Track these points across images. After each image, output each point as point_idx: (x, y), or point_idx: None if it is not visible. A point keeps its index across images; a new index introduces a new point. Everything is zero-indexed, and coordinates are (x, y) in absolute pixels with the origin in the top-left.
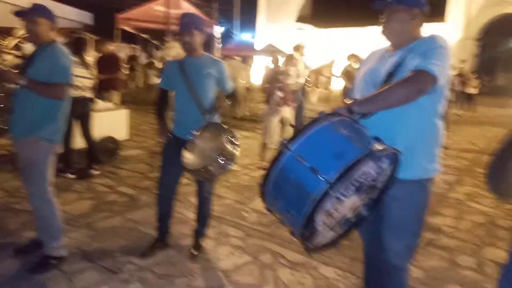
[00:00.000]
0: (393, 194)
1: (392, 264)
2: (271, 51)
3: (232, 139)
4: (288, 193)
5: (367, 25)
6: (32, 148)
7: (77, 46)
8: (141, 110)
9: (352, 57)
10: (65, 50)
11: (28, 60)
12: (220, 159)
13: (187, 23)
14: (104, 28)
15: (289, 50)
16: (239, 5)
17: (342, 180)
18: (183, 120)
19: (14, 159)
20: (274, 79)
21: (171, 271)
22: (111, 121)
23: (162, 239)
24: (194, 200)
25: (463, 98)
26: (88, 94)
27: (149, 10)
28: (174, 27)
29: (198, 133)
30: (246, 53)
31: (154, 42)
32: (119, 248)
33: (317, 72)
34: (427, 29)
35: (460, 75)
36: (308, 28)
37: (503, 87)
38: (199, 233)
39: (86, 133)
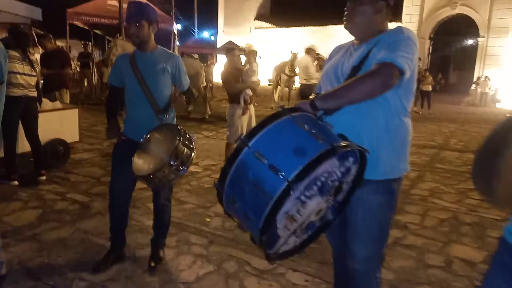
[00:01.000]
0: (358, 195)
1: (358, 270)
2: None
3: (187, 141)
4: (245, 194)
5: (327, 24)
6: None
7: (20, 41)
8: (95, 110)
9: (309, 51)
10: None
11: None
12: (173, 163)
13: (134, 13)
14: (53, 23)
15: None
16: (198, 2)
17: (303, 178)
18: (134, 120)
19: None
20: (237, 77)
21: (127, 286)
22: (60, 121)
23: (116, 251)
24: (151, 205)
25: (420, 96)
26: (33, 93)
27: (101, 4)
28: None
29: (150, 135)
30: (206, 51)
31: (108, 38)
32: (67, 262)
33: (279, 70)
34: None
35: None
36: (267, 26)
37: (455, 84)
38: (157, 243)
39: (32, 135)
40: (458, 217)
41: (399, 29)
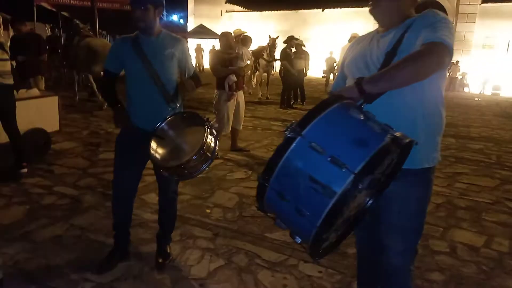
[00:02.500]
0: (394, 188)
1: (394, 265)
2: (202, 32)
3: (212, 130)
4: (299, 189)
5: (300, 9)
6: None
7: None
8: (66, 97)
9: (290, 40)
10: None
11: None
12: (203, 153)
13: None
14: (17, 5)
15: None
16: None
17: (371, 171)
18: (142, 108)
19: None
20: (225, 61)
21: (137, 286)
22: (38, 110)
23: (121, 249)
24: (150, 198)
25: None
26: (8, 80)
27: None
28: (101, 5)
29: (169, 123)
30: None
31: (77, 21)
32: (68, 263)
33: (257, 55)
34: None
35: None
36: (239, 9)
37: None
38: (164, 239)
39: (10, 126)
40: (452, 201)
41: (432, 12)
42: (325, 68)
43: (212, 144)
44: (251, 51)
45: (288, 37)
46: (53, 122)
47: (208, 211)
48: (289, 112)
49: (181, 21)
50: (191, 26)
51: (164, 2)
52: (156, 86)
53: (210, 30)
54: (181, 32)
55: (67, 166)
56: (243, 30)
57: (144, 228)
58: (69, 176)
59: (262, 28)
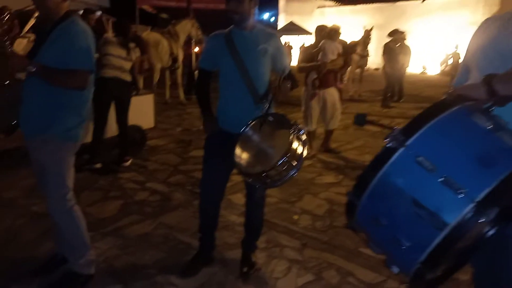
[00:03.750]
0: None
1: None
2: (293, 29)
3: (300, 135)
4: (397, 213)
5: (396, 0)
6: (45, 149)
7: (121, 30)
8: (163, 95)
9: (394, 33)
10: (85, 26)
11: (37, 41)
12: (286, 161)
13: None
14: (121, 9)
15: (312, 29)
16: None
17: (497, 200)
18: (231, 109)
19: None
20: (313, 56)
21: None
22: (136, 107)
23: (205, 254)
24: (236, 199)
25: None
26: (126, 77)
27: None
28: (197, 5)
29: (254, 126)
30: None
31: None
32: (154, 262)
33: (348, 50)
34: None
35: None
36: (331, 4)
37: None
38: (250, 246)
39: (124, 119)
40: None
41: None
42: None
43: (299, 151)
44: (341, 45)
45: (392, 30)
46: (149, 119)
47: (296, 217)
48: (384, 110)
49: (272, 19)
50: (281, 23)
51: None
52: (246, 85)
53: (301, 27)
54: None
55: (160, 162)
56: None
57: (229, 231)
58: (161, 172)
59: (355, 23)
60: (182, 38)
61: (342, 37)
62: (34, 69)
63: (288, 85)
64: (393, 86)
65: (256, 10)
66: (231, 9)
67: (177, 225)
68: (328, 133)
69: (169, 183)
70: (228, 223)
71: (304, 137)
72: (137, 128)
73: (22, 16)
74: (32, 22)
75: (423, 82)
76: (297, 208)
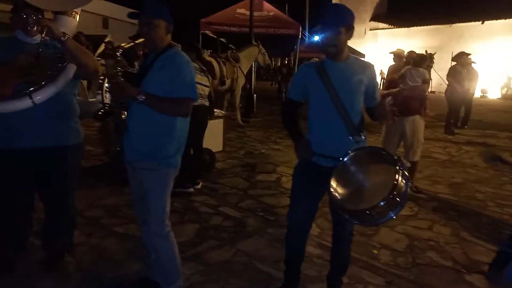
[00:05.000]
0: None
1: None
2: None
3: (403, 171)
4: None
5: (453, 22)
6: (149, 175)
7: (197, 54)
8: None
9: (461, 56)
10: (187, 57)
11: (142, 71)
12: (390, 199)
13: (331, 18)
14: (182, 34)
15: (364, 51)
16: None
17: None
18: (324, 140)
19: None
20: (392, 82)
21: None
22: (207, 130)
23: (290, 287)
24: (312, 229)
25: None
26: (207, 103)
27: (231, 13)
28: (258, 30)
29: (351, 159)
30: (315, 55)
31: (231, 46)
32: None
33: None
34: None
35: None
36: (384, 27)
37: None
38: (335, 282)
39: (198, 142)
40: None
41: None
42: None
43: (404, 188)
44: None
45: (458, 53)
46: (218, 142)
47: (375, 252)
48: (448, 137)
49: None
50: None
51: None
52: (341, 116)
53: (353, 48)
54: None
55: (229, 185)
56: (399, 48)
57: (308, 263)
58: (231, 196)
59: (408, 45)
60: (246, 64)
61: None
62: (143, 98)
63: (383, 114)
64: (457, 111)
65: (306, 33)
66: (327, 42)
67: (255, 253)
68: (411, 168)
69: (240, 208)
70: (306, 255)
71: (407, 173)
72: (207, 151)
73: (93, 41)
74: (102, 47)
75: (484, 106)
76: (375, 242)
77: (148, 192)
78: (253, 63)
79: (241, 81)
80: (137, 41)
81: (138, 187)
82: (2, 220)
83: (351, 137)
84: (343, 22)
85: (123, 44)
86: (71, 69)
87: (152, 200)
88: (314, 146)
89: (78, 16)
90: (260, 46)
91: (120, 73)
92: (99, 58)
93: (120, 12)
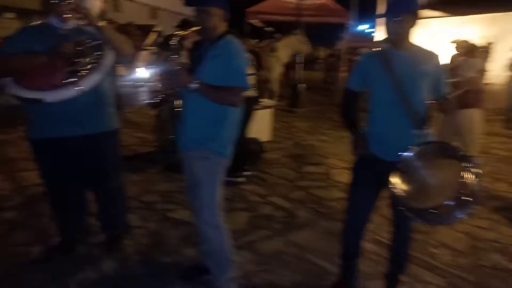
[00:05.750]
0: None
1: None
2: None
3: (472, 168)
4: None
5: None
6: (202, 164)
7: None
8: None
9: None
10: (241, 45)
11: (196, 59)
12: (457, 197)
13: (395, 5)
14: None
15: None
16: None
17: None
18: (385, 133)
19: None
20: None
21: None
22: (256, 120)
23: (348, 283)
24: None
25: None
26: (253, 93)
27: (278, 2)
28: (306, 19)
29: (414, 154)
30: (365, 45)
31: (275, 36)
32: (292, 284)
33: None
34: None
35: None
36: (436, 15)
37: None
38: (393, 280)
39: (245, 133)
40: None
41: None
42: None
43: (474, 187)
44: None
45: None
46: (267, 133)
47: (435, 250)
48: (509, 132)
49: (370, 31)
50: (380, 35)
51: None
52: (405, 109)
53: None
54: (368, 41)
55: (277, 175)
56: (433, 37)
57: (364, 259)
58: (280, 186)
59: (462, 34)
60: (284, 53)
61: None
62: (195, 86)
63: (450, 108)
64: None
65: (351, 22)
66: (390, 29)
67: (307, 245)
68: None
69: (290, 199)
70: (366, 252)
71: (476, 169)
72: (253, 140)
73: (143, 30)
74: (153, 36)
75: None
76: (433, 241)
77: (200, 181)
78: (298, 52)
79: (276, 71)
80: (192, 29)
81: (190, 176)
82: (60, 204)
83: (414, 131)
84: (406, 8)
85: (178, 32)
86: (111, 55)
87: (204, 189)
88: (375, 140)
89: None
90: (301, 35)
91: (175, 61)
92: (150, 47)
93: (169, 2)
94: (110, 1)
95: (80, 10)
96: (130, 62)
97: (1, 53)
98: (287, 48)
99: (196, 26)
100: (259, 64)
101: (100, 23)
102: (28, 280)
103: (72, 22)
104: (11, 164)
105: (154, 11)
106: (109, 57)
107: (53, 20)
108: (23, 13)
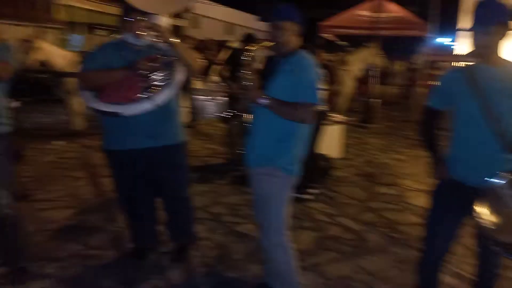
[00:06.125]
0: None
1: None
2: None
3: None
4: None
5: None
6: (269, 181)
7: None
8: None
9: None
10: (313, 61)
11: (268, 74)
12: None
13: (483, 16)
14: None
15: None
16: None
17: None
18: (469, 156)
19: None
20: None
21: None
22: (325, 136)
23: None
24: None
25: None
26: (323, 107)
27: (353, 16)
28: (382, 32)
29: (504, 180)
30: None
31: (348, 49)
32: None
33: None
34: None
35: None
36: None
37: None
38: None
39: (313, 149)
40: None
41: None
42: None
43: None
44: None
45: None
46: (337, 149)
47: None
48: None
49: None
50: (461, 48)
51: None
52: (493, 130)
53: None
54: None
55: (346, 194)
56: None
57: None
58: (349, 206)
59: None
60: (356, 67)
61: None
62: (265, 102)
63: None
64: None
65: (431, 35)
66: (478, 44)
67: (377, 272)
68: None
69: (360, 220)
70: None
71: None
72: (322, 156)
73: (219, 45)
74: (226, 51)
75: None
76: None
77: (265, 198)
78: (372, 66)
79: (348, 85)
80: (263, 44)
81: (257, 192)
82: (132, 212)
83: (505, 155)
84: (497, 19)
85: (250, 48)
86: (182, 70)
87: (270, 207)
88: (458, 163)
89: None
90: (375, 48)
91: (246, 76)
92: (224, 62)
93: (243, 18)
94: (190, 18)
95: (153, 27)
96: (202, 77)
97: (84, 68)
98: (359, 61)
99: (261, 41)
100: (332, 78)
101: (172, 40)
102: (98, 285)
103: (146, 38)
104: (95, 170)
105: (230, 27)
106: (180, 73)
107: (129, 37)
108: (111, 30)
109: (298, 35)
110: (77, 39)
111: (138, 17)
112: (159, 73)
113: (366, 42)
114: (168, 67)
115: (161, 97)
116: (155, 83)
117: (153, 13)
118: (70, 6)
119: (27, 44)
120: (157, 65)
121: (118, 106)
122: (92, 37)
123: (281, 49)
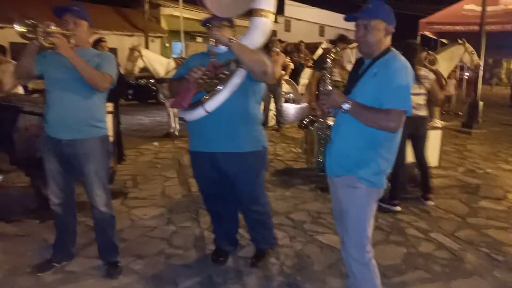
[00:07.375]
0: None
1: None
2: None
3: None
4: None
5: None
6: (350, 192)
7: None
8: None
9: None
10: (406, 63)
11: (354, 77)
12: None
13: None
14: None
15: None
16: None
17: None
18: None
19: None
20: None
21: None
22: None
23: None
24: None
25: None
26: (423, 112)
27: (457, 11)
28: (489, 27)
29: None
30: None
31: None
32: None
33: None
34: None
35: None
36: None
37: None
38: None
39: (420, 158)
40: None
41: None
42: None
43: None
44: None
45: None
46: (433, 157)
47: None
48: None
49: None
50: None
51: None
52: None
53: None
54: None
55: (443, 208)
56: None
57: None
58: (446, 222)
59: None
60: (446, 65)
61: None
62: (348, 107)
63: None
64: None
65: None
66: None
67: None
68: None
69: (457, 238)
70: None
71: None
72: (421, 165)
73: (311, 48)
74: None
75: None
76: None
77: (346, 211)
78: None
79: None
80: (350, 46)
81: (337, 204)
82: (215, 215)
83: None
84: None
85: (333, 50)
86: (239, 75)
87: (351, 221)
88: None
89: (271, 14)
90: (467, 45)
91: (328, 79)
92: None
93: (335, 19)
94: (282, 22)
95: (215, 33)
96: (264, 80)
97: (174, 75)
98: (447, 60)
99: (353, 42)
100: (439, 81)
101: (232, 43)
102: (178, 285)
103: (218, 45)
104: (186, 170)
105: (321, 29)
106: (236, 77)
107: (209, 44)
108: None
109: (388, 34)
110: (179, 46)
111: (209, 24)
112: (219, 79)
113: (470, 38)
114: (223, 71)
115: (212, 103)
116: (209, 89)
117: (223, 16)
118: (172, 15)
119: (133, 53)
120: (219, 72)
121: (183, 111)
122: (193, 44)
123: (369, 50)
